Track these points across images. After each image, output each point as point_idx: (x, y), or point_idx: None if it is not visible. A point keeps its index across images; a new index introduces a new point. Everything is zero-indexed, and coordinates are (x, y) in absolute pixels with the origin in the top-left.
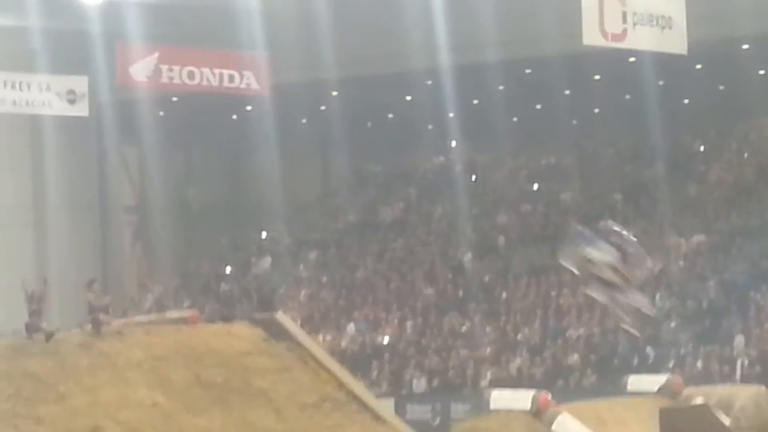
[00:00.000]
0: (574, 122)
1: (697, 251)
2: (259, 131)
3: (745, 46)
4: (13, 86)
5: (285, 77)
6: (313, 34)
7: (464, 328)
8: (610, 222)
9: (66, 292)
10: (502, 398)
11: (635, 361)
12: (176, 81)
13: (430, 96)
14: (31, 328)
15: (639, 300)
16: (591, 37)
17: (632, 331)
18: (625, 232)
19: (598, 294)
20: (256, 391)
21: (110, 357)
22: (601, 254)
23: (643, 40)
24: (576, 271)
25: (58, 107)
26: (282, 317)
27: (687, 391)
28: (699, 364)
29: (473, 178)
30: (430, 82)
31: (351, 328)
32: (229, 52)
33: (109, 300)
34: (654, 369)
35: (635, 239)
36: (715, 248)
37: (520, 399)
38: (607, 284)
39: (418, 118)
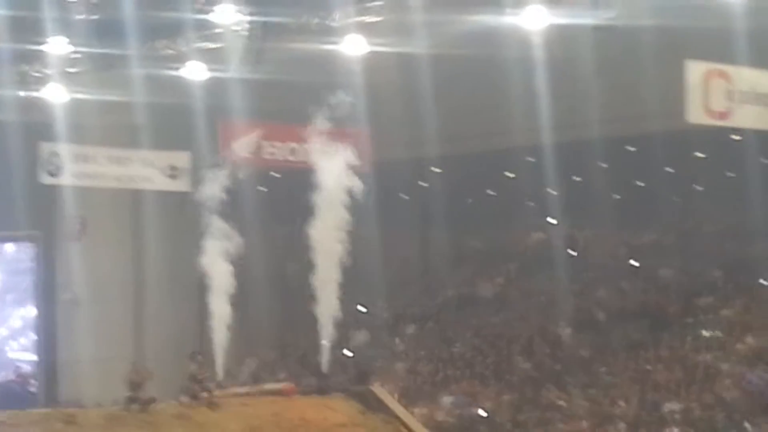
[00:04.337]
0: (676, 199)
1: None
2: (360, 207)
3: None
4: (116, 162)
5: (386, 154)
6: (414, 111)
7: (561, 401)
8: None
9: (163, 364)
10: None
11: None
12: (278, 157)
13: (531, 173)
14: (129, 400)
15: None
16: (695, 115)
17: None
18: None
19: None
20: None
21: (206, 428)
22: None
23: (747, 118)
24: None
25: (160, 183)
26: (378, 390)
27: None
28: None
29: (573, 254)
30: (531, 159)
31: (447, 401)
32: (331, 128)
33: (207, 373)
34: None
35: None
36: None
37: None
38: None
39: (519, 194)
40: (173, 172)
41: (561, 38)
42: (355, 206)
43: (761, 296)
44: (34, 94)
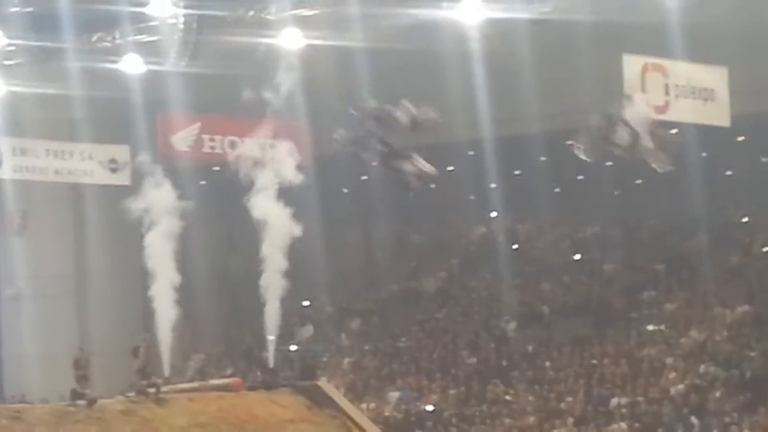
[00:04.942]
0: (617, 193)
1: (741, 322)
2: (301, 201)
3: None
4: (55, 155)
5: (326, 148)
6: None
7: (508, 396)
8: None
9: (108, 359)
10: None
11: (680, 431)
12: (218, 150)
13: (473, 166)
14: (75, 395)
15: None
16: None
17: None
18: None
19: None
20: None
21: (153, 424)
22: None
23: (685, 112)
24: None
25: (100, 176)
26: (325, 385)
27: None
28: None
29: (515, 248)
30: (472, 153)
31: (394, 396)
32: (270, 122)
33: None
34: None
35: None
36: (759, 319)
37: None
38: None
39: (460, 188)
40: (113, 166)
41: (498, 32)
42: (297, 200)
43: (703, 290)
44: None
